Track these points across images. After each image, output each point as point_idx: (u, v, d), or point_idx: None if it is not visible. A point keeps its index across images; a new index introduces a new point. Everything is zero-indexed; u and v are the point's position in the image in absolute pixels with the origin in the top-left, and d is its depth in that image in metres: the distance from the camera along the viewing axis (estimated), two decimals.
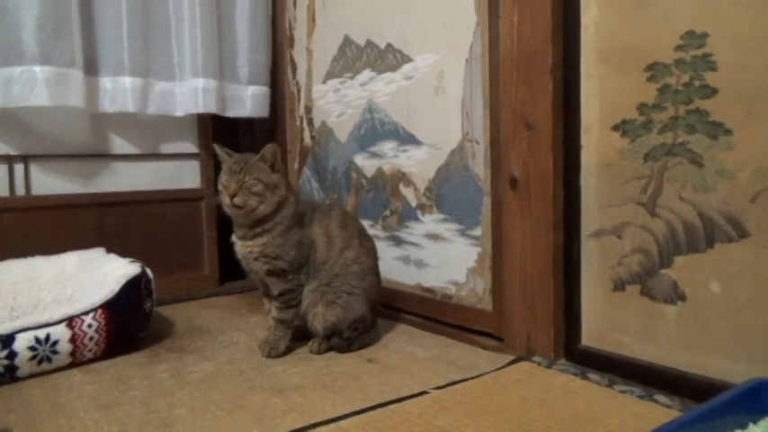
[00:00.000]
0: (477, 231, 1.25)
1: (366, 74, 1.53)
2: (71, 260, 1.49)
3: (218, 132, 1.90)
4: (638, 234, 0.98)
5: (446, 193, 1.33)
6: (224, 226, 1.89)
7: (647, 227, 0.96)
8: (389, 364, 1.14)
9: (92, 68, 1.60)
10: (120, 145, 1.73)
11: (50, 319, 1.11)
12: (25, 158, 1.58)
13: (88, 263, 1.45)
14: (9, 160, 1.56)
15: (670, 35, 0.91)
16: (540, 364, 1.07)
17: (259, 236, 1.17)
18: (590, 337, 1.07)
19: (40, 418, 0.92)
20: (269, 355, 1.19)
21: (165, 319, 1.48)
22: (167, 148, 1.81)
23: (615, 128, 1.00)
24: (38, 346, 1.09)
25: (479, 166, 1.24)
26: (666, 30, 0.91)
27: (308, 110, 1.78)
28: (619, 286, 1.01)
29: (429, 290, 1.39)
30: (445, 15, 1.28)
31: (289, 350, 1.21)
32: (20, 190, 1.57)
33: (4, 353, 1.05)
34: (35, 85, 1.46)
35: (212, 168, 1.85)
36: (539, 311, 1.11)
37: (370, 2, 1.49)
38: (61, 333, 1.11)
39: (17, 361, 1.06)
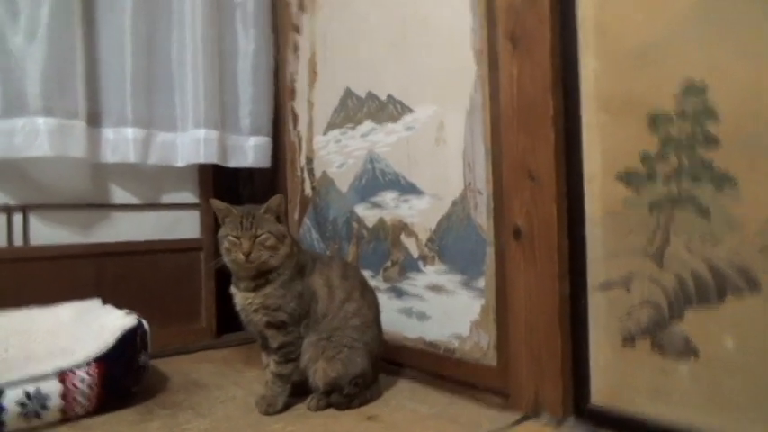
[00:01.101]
0: (481, 283, 1.23)
1: (367, 125, 1.54)
2: (66, 312, 1.46)
3: (219, 182, 1.90)
4: (647, 286, 0.96)
5: (448, 244, 1.31)
6: (222, 276, 1.88)
7: (655, 278, 0.94)
8: (391, 422, 1.09)
9: (94, 120, 1.61)
10: (119, 195, 1.72)
11: (42, 373, 1.08)
12: (24, 209, 1.57)
13: (84, 314, 1.42)
14: (8, 210, 1.55)
15: (669, 85, 0.92)
16: (547, 423, 1.03)
17: (261, 287, 1.14)
18: (600, 393, 1.03)
19: None
20: (266, 413, 1.15)
21: (160, 373, 1.44)
22: (167, 198, 1.81)
23: (618, 177, 0.99)
24: (27, 401, 1.05)
25: (482, 217, 1.23)
26: (666, 80, 0.92)
27: (309, 160, 1.79)
28: (628, 340, 0.98)
29: (432, 344, 1.35)
30: (445, 67, 1.30)
31: (287, 406, 1.17)
32: (18, 240, 1.56)
33: None
34: (37, 136, 1.46)
35: (212, 218, 1.84)
36: (546, 366, 1.08)
37: (370, 55, 1.52)
38: (52, 388, 1.08)
39: (5, 416, 1.03)
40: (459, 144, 1.27)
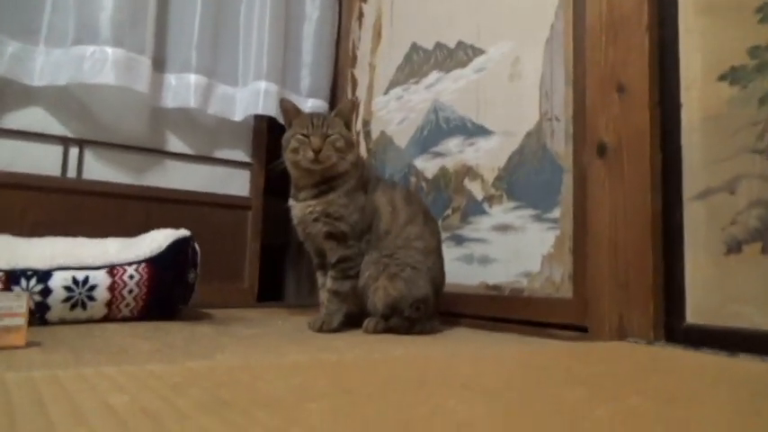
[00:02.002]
0: (556, 213, 1.15)
1: (433, 75, 1.51)
2: (113, 244, 1.41)
3: (272, 146, 1.87)
4: (756, 185, 0.87)
5: (519, 180, 1.24)
6: (266, 249, 1.82)
7: (766, 176, 0.86)
8: (456, 343, 1.00)
9: (159, 64, 1.62)
10: (174, 143, 1.71)
11: (92, 263, 1.02)
12: (81, 143, 1.56)
13: (131, 244, 1.37)
14: (66, 142, 1.53)
15: None
16: (637, 343, 0.92)
17: (324, 194, 1.08)
18: (697, 312, 0.92)
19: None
20: (320, 329, 1.06)
21: (203, 312, 1.37)
22: (220, 153, 1.78)
23: (722, 77, 0.92)
24: (74, 287, 0.99)
25: (559, 144, 1.16)
26: None
27: (366, 123, 1.76)
28: (734, 248, 0.89)
29: (495, 287, 1.26)
30: (522, 2, 1.27)
31: (342, 327, 1.08)
32: (72, 173, 1.54)
33: (39, 287, 0.95)
34: (104, 65, 1.46)
35: (263, 179, 1.81)
36: (633, 287, 0.98)
37: (440, 6, 1.50)
38: (101, 278, 1.02)
39: (50, 300, 0.96)
40: (535, 75, 1.23)
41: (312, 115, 1.09)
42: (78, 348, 0.72)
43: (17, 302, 0.69)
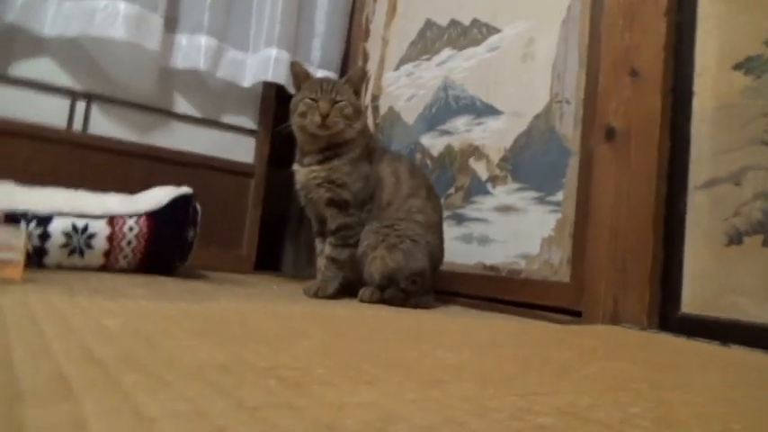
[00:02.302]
0: (559, 196, 1.15)
1: (445, 53, 1.50)
2: (114, 199, 1.41)
3: (279, 115, 1.86)
4: (763, 177, 0.86)
5: (524, 161, 1.23)
6: (266, 219, 1.82)
7: None
8: (449, 318, 1.00)
9: (170, 24, 1.60)
10: (181, 105, 1.70)
11: (92, 211, 1.02)
12: (89, 96, 1.55)
13: (132, 199, 1.37)
14: (73, 95, 1.53)
15: None
16: (630, 328, 0.93)
17: (329, 160, 1.08)
18: (693, 302, 0.92)
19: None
20: (315, 295, 1.06)
21: (200, 273, 1.37)
22: (227, 118, 1.77)
23: (737, 67, 0.92)
24: (73, 234, 0.99)
25: (567, 127, 1.15)
26: None
27: (375, 98, 1.75)
28: (735, 239, 0.88)
29: (492, 267, 1.26)
30: None
31: (337, 295, 1.08)
32: (77, 126, 1.53)
33: (39, 231, 0.95)
34: (116, 19, 1.45)
35: (268, 147, 1.80)
36: (630, 274, 0.98)
37: None
38: (100, 228, 1.02)
39: (48, 244, 0.96)
40: (549, 56, 1.22)
41: (322, 80, 1.08)
42: (74, 286, 0.72)
43: (15, 237, 0.69)
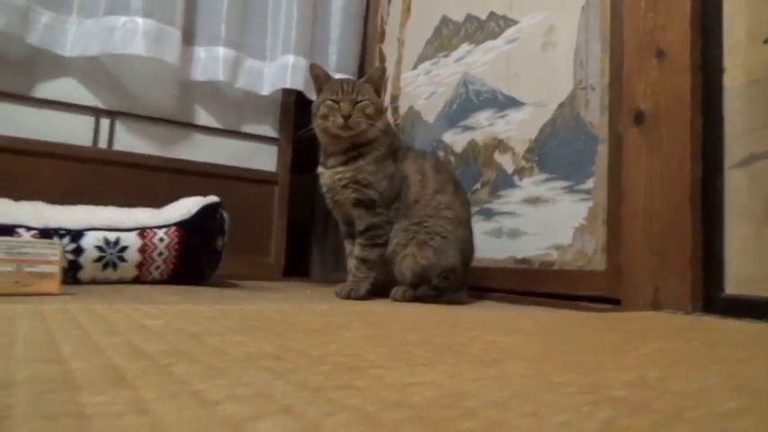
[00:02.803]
0: (589, 184, 1.12)
1: (463, 48, 1.49)
2: (142, 212, 1.43)
3: (299, 122, 1.87)
4: None
5: (550, 151, 1.21)
6: (291, 225, 1.82)
7: None
8: (483, 310, 0.98)
9: (188, 38, 1.62)
10: (202, 117, 1.71)
11: (122, 224, 1.03)
12: (112, 114, 1.57)
13: (160, 212, 1.38)
14: (97, 113, 1.55)
15: None
16: (674, 313, 0.90)
17: (353, 161, 1.07)
18: (737, 282, 0.89)
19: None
20: (348, 296, 1.05)
21: (230, 282, 1.37)
22: (248, 127, 1.78)
23: None
24: (106, 247, 1.00)
25: (593, 113, 1.13)
26: None
27: (394, 99, 1.74)
28: None
29: (524, 260, 1.24)
30: None
31: (369, 296, 1.07)
32: (102, 143, 1.55)
33: (72, 246, 0.96)
34: (135, 36, 1.47)
35: (290, 154, 1.81)
36: (670, 258, 0.95)
37: None
38: (132, 240, 1.03)
39: (82, 259, 0.97)
40: (569, 44, 1.20)
41: (342, 81, 1.08)
42: (111, 296, 0.72)
43: (51, 250, 0.69)
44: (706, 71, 0.96)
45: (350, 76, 1.81)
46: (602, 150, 1.11)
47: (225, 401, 0.19)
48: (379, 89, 1.10)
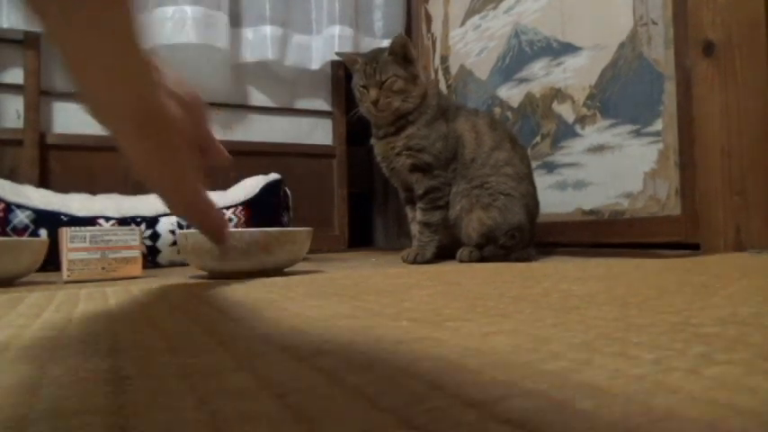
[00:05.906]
0: (657, 126, 1.07)
1: None
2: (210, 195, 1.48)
3: (349, 92, 1.86)
4: None
5: (613, 95, 1.16)
6: (352, 197, 1.84)
7: None
8: (557, 264, 0.96)
9: (235, 20, 1.64)
10: (256, 97, 1.74)
11: None
12: None
13: (225, 194, 1.42)
14: None
15: None
16: (759, 253, 0.85)
17: (403, 129, 1.07)
18: None
19: None
20: (414, 261, 1.06)
21: None
22: (301, 103, 1.80)
23: None
24: (179, 231, 1.04)
25: (657, 50, 1.07)
26: None
27: (444, 59, 1.70)
28: None
29: (592, 211, 1.20)
30: None
31: (435, 259, 1.07)
32: None
33: (149, 232, 1.01)
34: (185, 24, 1.50)
35: (344, 127, 1.81)
36: (752, 195, 0.90)
37: None
38: None
39: (159, 243, 1.02)
40: None
41: (366, 63, 1.06)
42: (188, 274, 0.76)
43: (131, 236, 0.73)
44: None
45: None
46: (670, 88, 1.05)
47: (313, 357, 0.20)
48: (407, 56, 1.07)
